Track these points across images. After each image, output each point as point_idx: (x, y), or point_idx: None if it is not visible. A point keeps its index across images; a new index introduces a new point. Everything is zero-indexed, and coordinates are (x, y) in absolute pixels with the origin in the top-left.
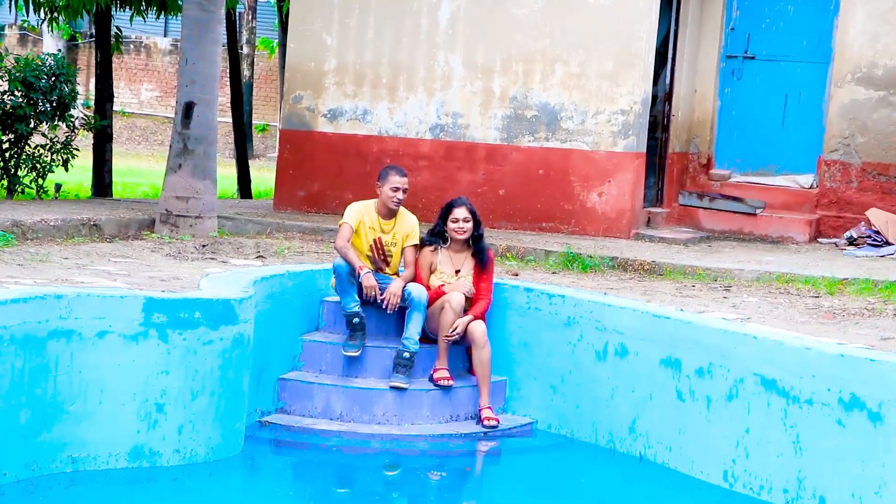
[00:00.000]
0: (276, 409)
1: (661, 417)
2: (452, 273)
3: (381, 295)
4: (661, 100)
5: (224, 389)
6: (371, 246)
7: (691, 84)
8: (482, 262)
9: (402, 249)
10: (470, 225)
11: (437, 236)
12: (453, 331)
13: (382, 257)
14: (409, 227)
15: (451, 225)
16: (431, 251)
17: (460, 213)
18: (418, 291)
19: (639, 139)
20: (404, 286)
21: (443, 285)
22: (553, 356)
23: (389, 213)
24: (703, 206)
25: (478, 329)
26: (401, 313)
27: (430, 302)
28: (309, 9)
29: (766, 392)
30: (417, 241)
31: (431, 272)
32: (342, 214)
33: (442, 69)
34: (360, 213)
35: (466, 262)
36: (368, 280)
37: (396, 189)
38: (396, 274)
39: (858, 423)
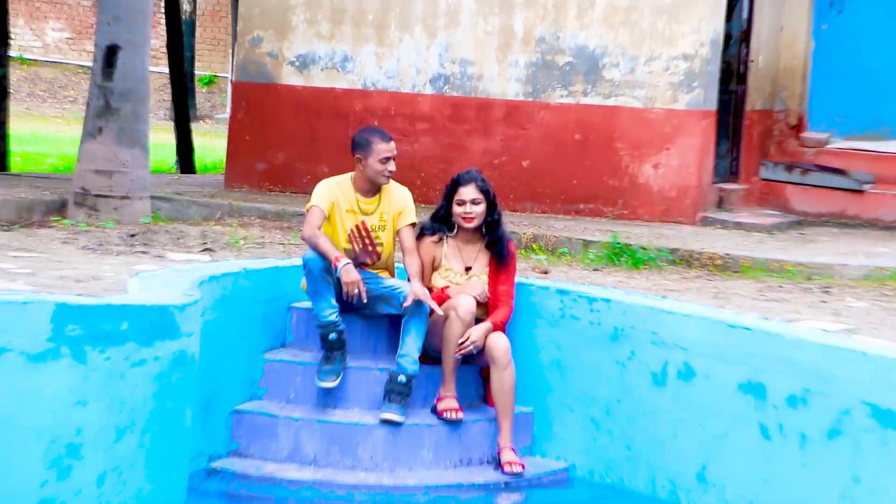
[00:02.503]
0: (229, 452)
1: (741, 461)
2: (461, 270)
3: (366, 295)
4: (737, 41)
5: (159, 426)
6: (351, 234)
7: (777, 19)
8: (500, 256)
9: (398, 232)
10: (481, 208)
11: (440, 222)
12: (466, 340)
13: (370, 247)
14: (400, 201)
15: (456, 209)
16: (434, 242)
17: (468, 192)
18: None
19: (707, 93)
20: (400, 288)
21: (448, 287)
22: (595, 380)
23: (372, 188)
24: (793, 180)
25: (499, 344)
26: (394, 323)
27: (432, 309)
28: None
29: (881, 427)
30: (415, 218)
31: (434, 269)
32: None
33: (447, 1)
34: (331, 193)
35: (480, 257)
36: (348, 274)
37: (387, 159)
38: (389, 271)
39: None
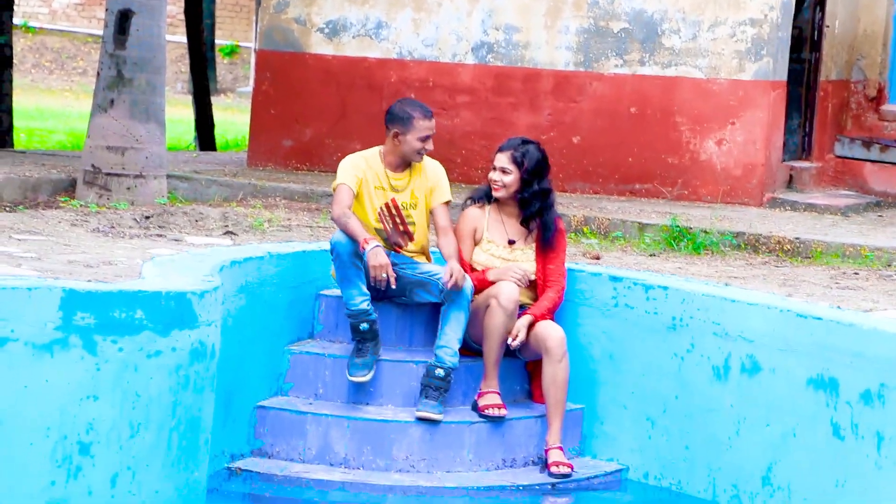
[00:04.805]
0: (253, 451)
1: (810, 462)
2: (504, 244)
3: (395, 281)
4: (810, 4)
5: (177, 422)
6: (381, 213)
7: None
8: (544, 235)
9: (431, 211)
10: (510, 178)
11: (487, 187)
12: (514, 339)
13: (401, 227)
14: (433, 177)
15: (490, 174)
16: (478, 208)
17: (499, 159)
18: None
19: (776, 62)
20: (436, 271)
21: (487, 270)
22: (651, 374)
23: (402, 163)
24: (872, 157)
25: (553, 334)
26: (431, 312)
27: (474, 295)
28: None
29: None
30: (449, 196)
31: (476, 243)
32: None
33: None
34: (358, 168)
35: (525, 233)
36: (376, 257)
37: (427, 138)
38: (425, 255)
39: None
